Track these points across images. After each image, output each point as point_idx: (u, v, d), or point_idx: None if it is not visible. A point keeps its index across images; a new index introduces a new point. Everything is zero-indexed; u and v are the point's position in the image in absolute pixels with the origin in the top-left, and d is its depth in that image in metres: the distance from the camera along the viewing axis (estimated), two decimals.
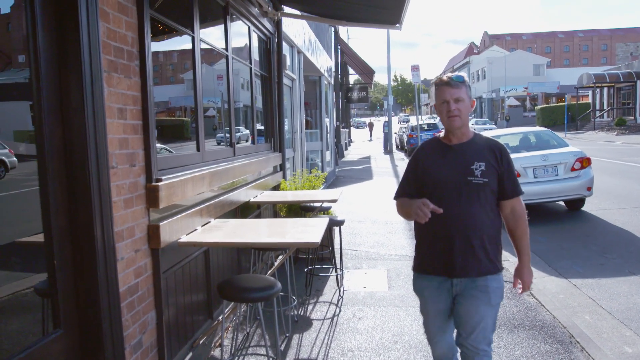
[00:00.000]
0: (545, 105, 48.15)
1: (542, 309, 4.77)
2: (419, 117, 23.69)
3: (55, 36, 2.35)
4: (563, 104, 41.78)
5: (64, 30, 2.36)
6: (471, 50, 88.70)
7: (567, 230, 8.12)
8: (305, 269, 5.64)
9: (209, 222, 3.95)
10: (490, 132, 11.08)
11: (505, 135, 10.79)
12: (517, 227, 2.70)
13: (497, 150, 2.66)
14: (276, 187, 6.56)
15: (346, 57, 27.91)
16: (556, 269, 6.09)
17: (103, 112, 2.52)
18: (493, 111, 59.17)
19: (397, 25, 6.50)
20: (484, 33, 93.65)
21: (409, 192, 2.77)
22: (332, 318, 4.74)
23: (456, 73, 2.70)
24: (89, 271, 2.46)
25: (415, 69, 22.03)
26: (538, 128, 11.43)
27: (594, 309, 4.81)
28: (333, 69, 19.25)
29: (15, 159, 2.50)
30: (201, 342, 3.86)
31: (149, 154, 3.00)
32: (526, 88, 52.84)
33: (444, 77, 2.65)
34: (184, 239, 3.41)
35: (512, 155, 10.61)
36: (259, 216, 5.78)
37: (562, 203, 9.68)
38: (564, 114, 37.53)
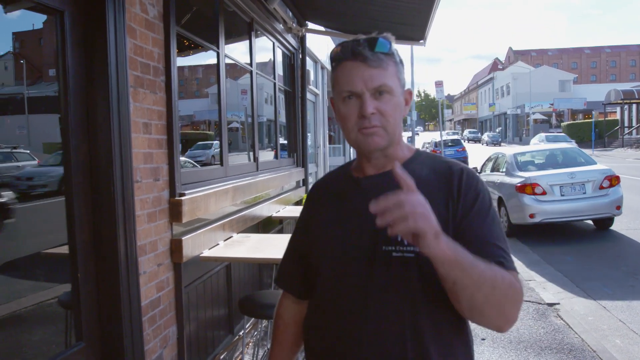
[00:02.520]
0: (571, 122, 47.46)
1: (570, 331, 4.63)
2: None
3: (83, 52, 2.39)
4: (590, 120, 41.06)
5: (92, 46, 2.39)
6: (495, 66, 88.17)
7: (596, 250, 7.91)
8: None
9: (231, 236, 3.95)
10: (512, 150, 10.92)
11: (532, 152, 10.65)
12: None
13: (454, 179, 1.29)
14: (299, 202, 6.54)
15: None
16: (584, 290, 5.93)
17: (129, 126, 2.54)
18: (518, 127, 58.50)
19: (421, 41, 6.49)
20: (508, 49, 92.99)
21: (292, 274, 1.57)
22: None
23: (378, 34, 1.35)
24: (111, 285, 2.47)
25: (439, 84, 21.99)
26: (565, 145, 11.24)
27: (625, 333, 4.66)
28: None
29: None
30: (222, 357, 3.84)
31: (173, 168, 3.02)
32: (552, 104, 52.17)
33: (352, 42, 1.35)
34: (206, 253, 3.40)
35: (539, 173, 10.35)
36: (281, 231, 5.77)
37: (591, 222, 9.45)
38: (591, 131, 36.84)
